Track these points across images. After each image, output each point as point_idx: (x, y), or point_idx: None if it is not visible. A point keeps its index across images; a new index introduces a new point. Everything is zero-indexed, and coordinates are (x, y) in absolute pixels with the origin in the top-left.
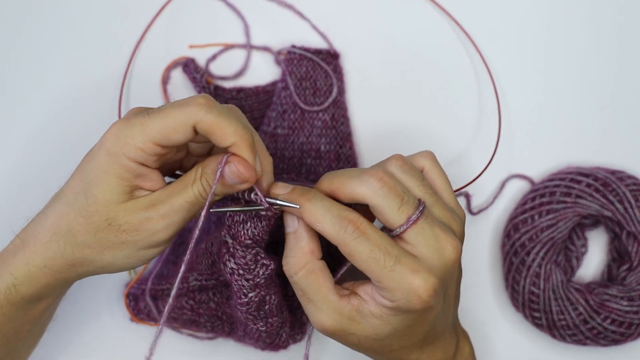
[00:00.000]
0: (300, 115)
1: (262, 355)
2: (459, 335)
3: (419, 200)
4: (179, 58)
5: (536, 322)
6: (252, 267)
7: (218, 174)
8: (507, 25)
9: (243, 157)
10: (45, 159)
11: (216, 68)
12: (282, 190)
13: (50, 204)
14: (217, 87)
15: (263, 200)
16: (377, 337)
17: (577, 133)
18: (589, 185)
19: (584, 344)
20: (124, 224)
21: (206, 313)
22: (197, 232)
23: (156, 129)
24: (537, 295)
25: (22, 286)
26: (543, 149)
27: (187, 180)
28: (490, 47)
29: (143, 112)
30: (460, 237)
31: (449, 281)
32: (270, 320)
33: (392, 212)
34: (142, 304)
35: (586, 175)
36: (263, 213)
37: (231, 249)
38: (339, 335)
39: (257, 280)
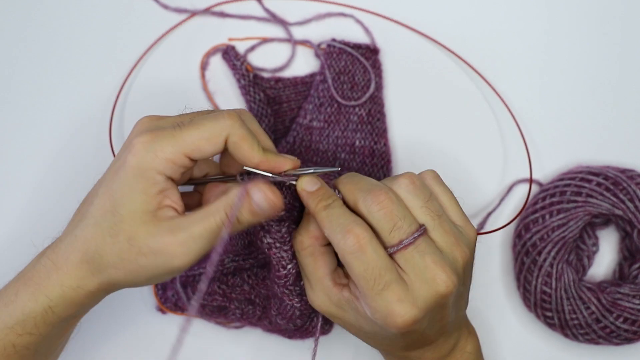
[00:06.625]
0: (336, 109)
1: (281, 346)
2: (462, 334)
3: (420, 225)
4: (219, 45)
5: (548, 322)
6: (287, 239)
7: (238, 195)
8: (511, 25)
9: (275, 164)
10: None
11: (254, 60)
12: (309, 187)
13: (78, 224)
14: (256, 76)
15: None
16: (359, 330)
17: (586, 132)
18: (599, 184)
19: (597, 343)
20: (144, 247)
21: (238, 297)
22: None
23: (189, 140)
24: (549, 295)
25: (58, 307)
26: (552, 149)
27: (209, 209)
28: (496, 48)
29: (169, 124)
30: (465, 261)
31: (439, 309)
32: (305, 297)
33: (384, 234)
34: (170, 292)
35: (596, 174)
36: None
37: (265, 226)
38: (332, 316)
39: (294, 251)
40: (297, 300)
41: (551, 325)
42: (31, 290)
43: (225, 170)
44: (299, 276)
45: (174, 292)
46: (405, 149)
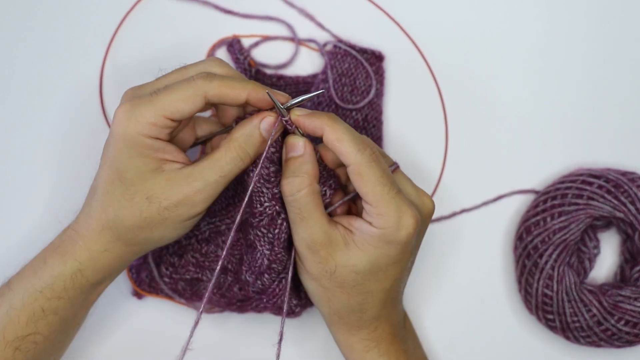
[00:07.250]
0: (334, 110)
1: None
2: (405, 313)
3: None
4: (225, 37)
5: (550, 325)
6: (272, 179)
7: (275, 128)
8: (510, 27)
9: (264, 97)
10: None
11: (258, 57)
12: (303, 112)
13: (92, 197)
14: (258, 71)
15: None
16: (353, 268)
17: (587, 134)
18: (600, 186)
19: (598, 346)
20: (164, 201)
21: (211, 267)
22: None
23: (166, 103)
24: (550, 298)
25: (88, 270)
26: (553, 151)
27: (218, 155)
28: (495, 49)
29: (147, 91)
30: None
31: (422, 232)
32: (276, 248)
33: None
34: (144, 273)
35: (597, 177)
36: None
37: (256, 160)
38: (322, 256)
39: (275, 191)
40: (267, 247)
41: (552, 328)
42: (59, 255)
43: (225, 122)
44: (274, 221)
45: (147, 273)
46: (405, 154)
